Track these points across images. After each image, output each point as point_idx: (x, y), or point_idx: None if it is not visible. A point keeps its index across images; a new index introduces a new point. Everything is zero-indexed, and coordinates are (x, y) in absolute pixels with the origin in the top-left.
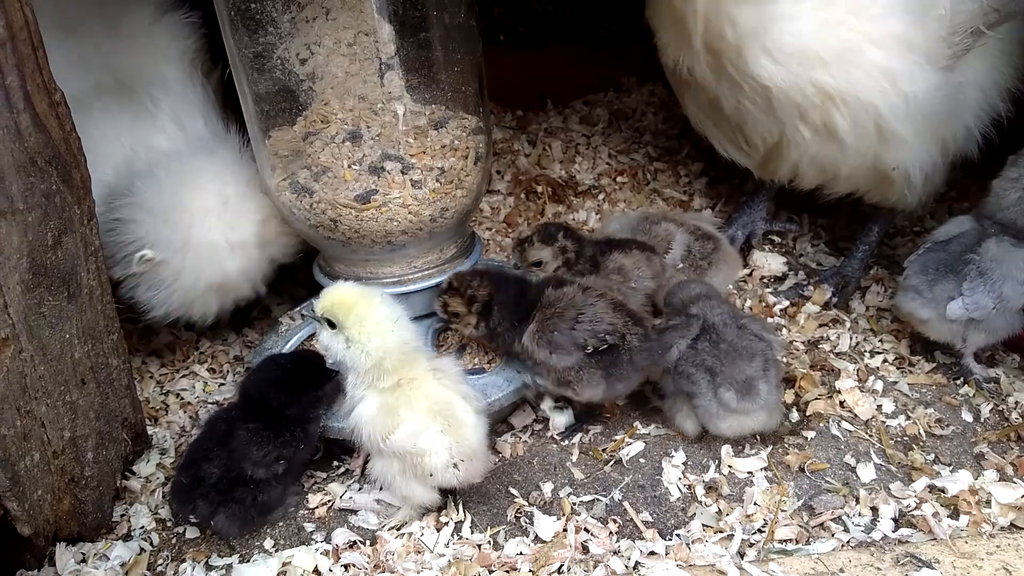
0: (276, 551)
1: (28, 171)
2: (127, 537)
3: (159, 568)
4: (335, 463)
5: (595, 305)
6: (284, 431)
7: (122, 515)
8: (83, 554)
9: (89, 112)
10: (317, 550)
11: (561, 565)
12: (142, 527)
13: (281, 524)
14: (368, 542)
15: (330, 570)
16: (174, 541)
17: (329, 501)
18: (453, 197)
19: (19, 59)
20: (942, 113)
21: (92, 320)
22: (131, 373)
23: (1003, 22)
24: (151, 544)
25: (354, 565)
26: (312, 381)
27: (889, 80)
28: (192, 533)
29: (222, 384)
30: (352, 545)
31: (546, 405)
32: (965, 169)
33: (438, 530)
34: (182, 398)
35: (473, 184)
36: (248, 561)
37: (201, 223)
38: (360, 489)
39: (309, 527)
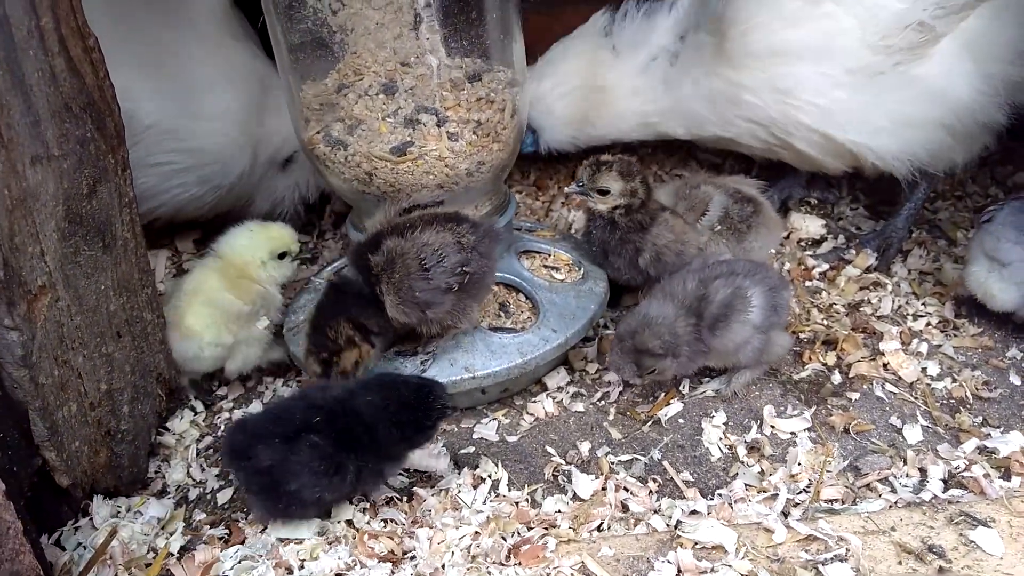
0: None
1: (63, 116)
2: (162, 492)
3: (195, 523)
4: None
5: (430, 243)
6: (353, 464)
7: (156, 471)
8: (119, 507)
9: None
10: (355, 507)
11: (601, 523)
12: (176, 483)
13: None
14: (405, 498)
15: (368, 523)
16: (209, 497)
17: None
18: (490, 151)
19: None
20: (911, 102)
21: (127, 272)
22: (165, 328)
23: (979, 2)
24: (186, 500)
25: (392, 520)
26: (424, 415)
27: (798, 98)
28: (226, 495)
29: None
30: (389, 501)
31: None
32: (1011, 134)
33: (475, 487)
34: None
35: (509, 138)
36: None
37: None
38: None
39: None
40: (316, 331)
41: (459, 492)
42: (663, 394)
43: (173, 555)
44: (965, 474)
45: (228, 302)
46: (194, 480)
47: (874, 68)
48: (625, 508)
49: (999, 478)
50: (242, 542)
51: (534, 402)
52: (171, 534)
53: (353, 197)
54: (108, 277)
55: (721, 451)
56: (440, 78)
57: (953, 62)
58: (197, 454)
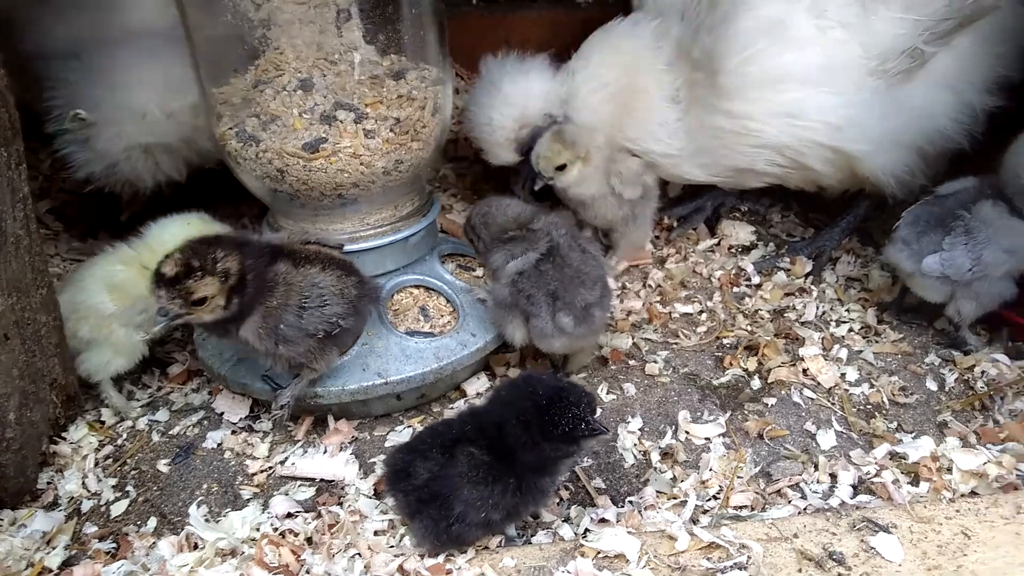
0: (211, 519)
1: None
2: (53, 505)
3: (84, 537)
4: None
5: (318, 285)
6: (511, 477)
7: (48, 482)
8: (1, 520)
9: None
10: (259, 516)
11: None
12: (70, 494)
13: (216, 490)
14: (308, 509)
15: (268, 535)
16: (103, 510)
17: (269, 468)
18: (408, 149)
19: None
20: (900, 123)
21: (18, 272)
22: (62, 331)
23: (960, 28)
24: (79, 513)
25: (292, 532)
26: (570, 426)
27: (810, 118)
28: (121, 507)
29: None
30: (291, 515)
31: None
32: None
33: (378, 496)
34: None
35: (430, 136)
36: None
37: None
38: (304, 455)
39: (246, 494)
40: (206, 243)
41: (364, 502)
42: None
43: (51, 570)
44: (875, 480)
45: (96, 301)
46: (89, 492)
47: (872, 89)
48: (535, 516)
49: (908, 484)
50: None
51: (451, 408)
52: (53, 548)
53: (267, 196)
54: None
55: (635, 457)
56: (362, 74)
57: (935, 91)
58: (95, 464)
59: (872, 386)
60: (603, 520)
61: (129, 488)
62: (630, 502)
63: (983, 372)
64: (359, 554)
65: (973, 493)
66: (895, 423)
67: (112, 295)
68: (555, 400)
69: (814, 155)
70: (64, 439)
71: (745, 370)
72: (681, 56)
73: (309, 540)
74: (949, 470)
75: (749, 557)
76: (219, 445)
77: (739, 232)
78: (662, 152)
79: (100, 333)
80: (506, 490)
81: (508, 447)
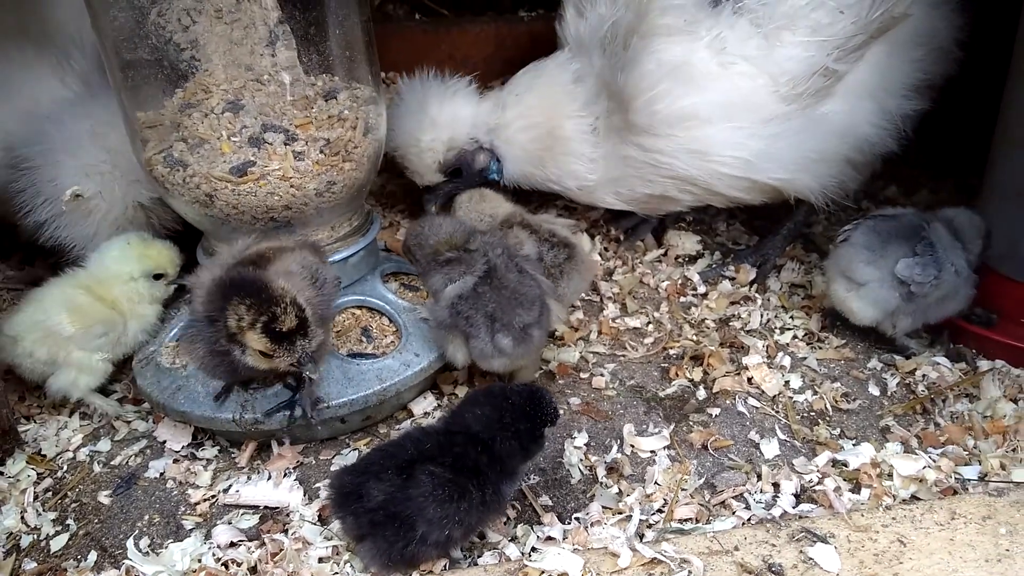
0: (152, 551)
1: None
2: None
3: (22, 574)
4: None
5: (306, 260)
6: (475, 487)
7: None
8: None
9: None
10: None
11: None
12: (8, 530)
13: (158, 521)
14: (253, 540)
15: (211, 564)
16: (42, 544)
17: (212, 497)
18: (340, 170)
19: None
20: (821, 140)
21: None
22: None
23: (872, 40)
24: (18, 548)
25: (235, 562)
26: (537, 423)
27: (719, 153)
28: (60, 541)
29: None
30: (234, 544)
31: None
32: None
33: (325, 523)
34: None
35: (363, 156)
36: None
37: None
38: (247, 482)
39: (189, 524)
40: (257, 288)
41: (308, 528)
42: None
43: None
44: (817, 488)
45: (55, 322)
46: (28, 526)
47: (785, 115)
48: (482, 536)
49: (849, 491)
50: None
51: (398, 429)
52: None
53: (200, 221)
54: None
55: (581, 472)
56: (293, 95)
57: (855, 102)
58: (35, 498)
59: (815, 393)
60: (549, 538)
61: (70, 521)
62: (576, 519)
63: (924, 376)
64: None
65: (914, 498)
66: (838, 430)
67: (71, 317)
68: (533, 402)
69: (726, 185)
70: (1, 473)
71: (691, 380)
72: (602, 87)
73: (253, 569)
74: (890, 476)
75: (690, 572)
76: (161, 474)
77: (685, 242)
78: (579, 186)
79: (58, 355)
80: (471, 505)
81: (473, 461)
